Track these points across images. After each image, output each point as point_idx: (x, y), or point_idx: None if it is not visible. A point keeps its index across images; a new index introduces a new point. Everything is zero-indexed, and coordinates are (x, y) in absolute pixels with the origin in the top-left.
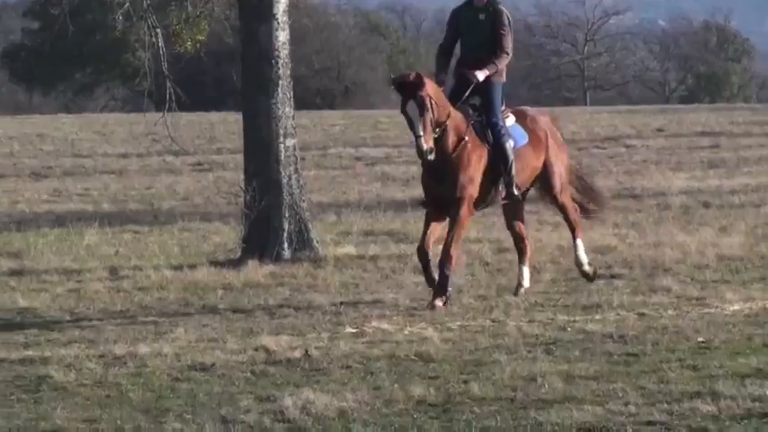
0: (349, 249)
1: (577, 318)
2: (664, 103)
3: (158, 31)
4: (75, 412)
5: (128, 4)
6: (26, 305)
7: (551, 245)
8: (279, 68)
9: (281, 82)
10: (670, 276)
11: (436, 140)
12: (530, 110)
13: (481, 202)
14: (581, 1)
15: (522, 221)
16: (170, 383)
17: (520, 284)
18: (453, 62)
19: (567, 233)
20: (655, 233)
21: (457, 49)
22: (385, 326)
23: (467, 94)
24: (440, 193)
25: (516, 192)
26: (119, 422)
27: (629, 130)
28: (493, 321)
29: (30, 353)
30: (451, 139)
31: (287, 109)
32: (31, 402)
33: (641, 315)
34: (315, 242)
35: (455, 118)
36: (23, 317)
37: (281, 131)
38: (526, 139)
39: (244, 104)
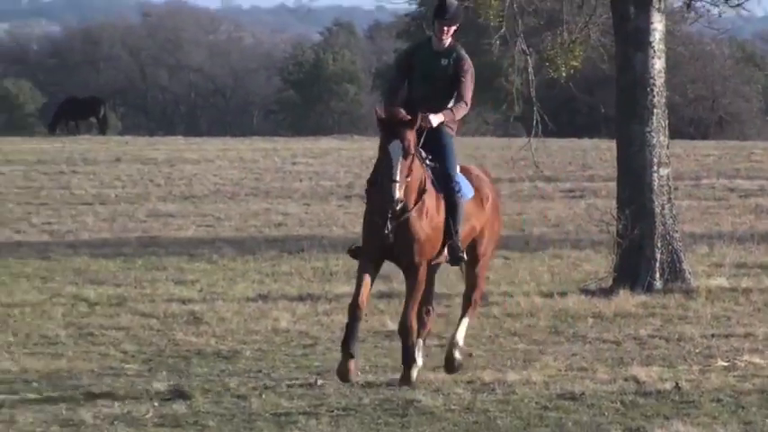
0: (721, 281)
1: None
2: None
3: (528, 56)
4: None
5: (503, 29)
6: (395, 328)
7: None
8: (654, 96)
9: (655, 110)
10: None
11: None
12: (473, 167)
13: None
14: None
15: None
16: (538, 412)
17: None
18: None
19: None
20: None
21: None
22: (756, 360)
23: (421, 142)
24: (389, 250)
25: (462, 254)
26: None
27: None
28: None
29: (398, 377)
30: (413, 190)
31: (661, 137)
32: (398, 426)
33: None
34: (687, 273)
35: (417, 166)
36: (392, 340)
37: (655, 160)
38: (472, 194)
39: (618, 132)
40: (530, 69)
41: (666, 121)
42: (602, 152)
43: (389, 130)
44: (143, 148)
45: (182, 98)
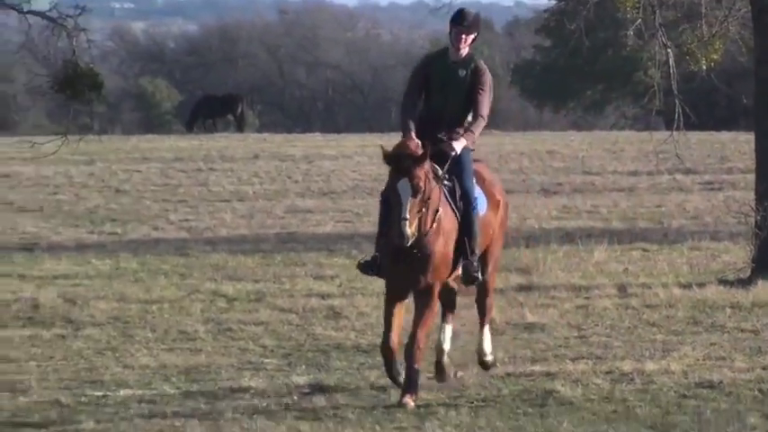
0: None
1: None
2: None
3: (669, 49)
4: (581, 427)
5: (639, 20)
6: (534, 320)
7: None
8: None
9: None
10: None
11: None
12: (483, 169)
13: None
14: None
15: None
16: (677, 400)
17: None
18: None
19: None
20: None
21: None
22: None
23: (445, 169)
24: (405, 276)
25: (477, 275)
26: None
27: None
28: None
29: (537, 368)
30: (430, 214)
31: None
32: (537, 416)
33: None
34: None
35: (435, 190)
36: (531, 332)
37: None
38: (486, 207)
39: (756, 125)
40: (671, 63)
41: None
42: (740, 144)
43: (397, 167)
44: (281, 144)
45: (319, 95)
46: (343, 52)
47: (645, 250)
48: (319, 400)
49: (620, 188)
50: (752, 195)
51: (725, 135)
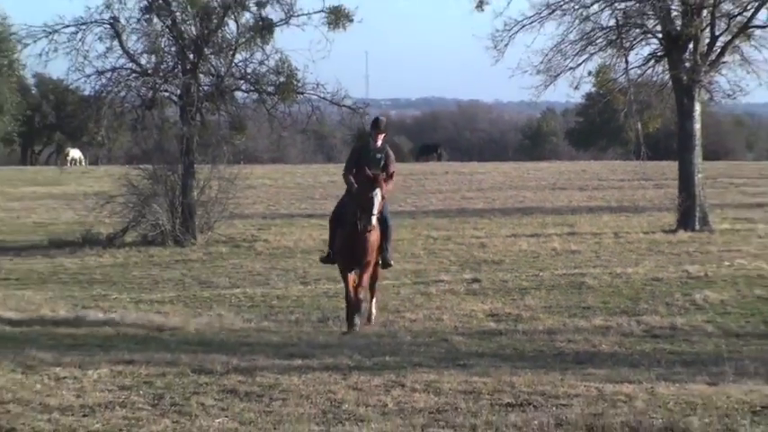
0: None
1: None
2: None
3: (639, 122)
4: (600, 299)
5: (625, 109)
6: (575, 248)
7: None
8: None
9: None
10: None
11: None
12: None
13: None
14: None
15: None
16: (641, 286)
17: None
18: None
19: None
20: None
21: None
22: None
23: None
24: (357, 258)
25: (391, 262)
26: None
27: None
28: None
29: (575, 271)
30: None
31: None
32: (576, 294)
33: None
34: None
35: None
36: (571, 256)
37: None
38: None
39: (679, 155)
40: (639, 128)
41: None
42: (674, 166)
43: (372, 184)
44: (457, 167)
45: (474, 147)
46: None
47: (627, 216)
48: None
49: (614, 187)
50: (676, 191)
51: (664, 162)
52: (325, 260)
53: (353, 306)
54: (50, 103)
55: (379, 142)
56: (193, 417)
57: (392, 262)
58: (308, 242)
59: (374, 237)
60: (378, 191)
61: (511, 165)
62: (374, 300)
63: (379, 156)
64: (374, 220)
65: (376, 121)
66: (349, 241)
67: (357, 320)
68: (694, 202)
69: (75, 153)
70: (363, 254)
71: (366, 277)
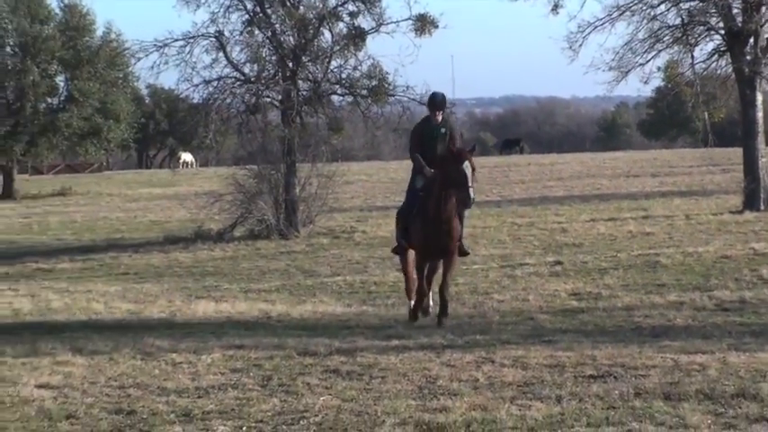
0: None
1: None
2: None
3: (705, 113)
4: (668, 275)
5: (693, 99)
6: (642, 229)
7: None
8: None
9: None
10: None
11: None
12: None
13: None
14: None
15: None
16: (712, 263)
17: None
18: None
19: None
20: None
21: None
22: None
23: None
24: (441, 246)
25: (468, 250)
26: None
27: None
28: None
29: (649, 251)
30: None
31: None
32: (651, 272)
33: None
34: None
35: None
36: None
37: None
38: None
39: (743, 143)
40: (706, 118)
41: None
42: (739, 152)
43: (458, 158)
44: (539, 159)
45: (548, 141)
46: None
47: (697, 199)
48: None
49: (684, 173)
50: (742, 175)
51: (730, 149)
52: (398, 251)
53: (425, 297)
54: (162, 111)
55: (440, 118)
56: (299, 396)
57: (469, 250)
58: None
59: (456, 222)
60: (467, 163)
61: (588, 155)
62: (446, 291)
63: (443, 130)
64: (473, 193)
65: (433, 98)
66: (430, 229)
67: (422, 313)
68: (759, 184)
69: (186, 156)
70: (449, 240)
71: (453, 267)
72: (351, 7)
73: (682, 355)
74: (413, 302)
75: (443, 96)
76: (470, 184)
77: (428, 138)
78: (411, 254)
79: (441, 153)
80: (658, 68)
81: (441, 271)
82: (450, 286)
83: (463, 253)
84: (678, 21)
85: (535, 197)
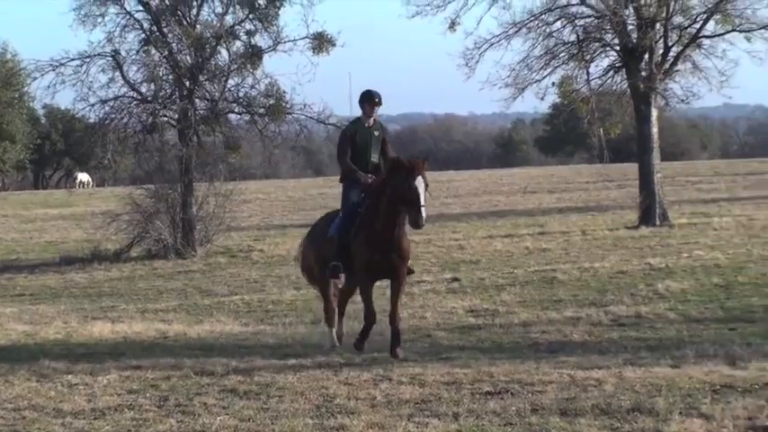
0: None
1: None
2: None
3: (601, 129)
4: (571, 292)
5: (588, 116)
6: (545, 246)
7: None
8: None
9: None
10: None
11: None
12: None
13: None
14: None
15: None
16: (608, 279)
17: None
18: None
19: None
20: None
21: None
22: None
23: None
24: (391, 267)
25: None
26: None
27: None
28: None
29: (546, 267)
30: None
31: None
32: (548, 289)
33: None
34: None
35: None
36: (544, 253)
37: None
38: None
39: (638, 157)
40: (601, 134)
41: None
42: (634, 167)
43: (412, 171)
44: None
45: (452, 155)
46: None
47: (593, 215)
48: None
49: (581, 188)
50: (637, 190)
51: (626, 164)
52: (334, 273)
53: (373, 321)
54: (59, 131)
55: (374, 118)
56: (196, 416)
57: (413, 268)
58: None
59: (407, 242)
60: (420, 179)
61: (485, 172)
62: (397, 317)
63: (377, 134)
64: (424, 213)
65: (369, 94)
66: (377, 249)
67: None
68: (654, 199)
69: (82, 176)
70: (401, 262)
71: (402, 290)
72: (248, 26)
73: (578, 371)
74: (334, 330)
75: (378, 93)
76: (422, 203)
77: (361, 142)
78: (341, 279)
79: (390, 163)
80: (553, 84)
81: (389, 293)
82: (400, 312)
83: (409, 272)
84: (574, 38)
85: (432, 214)
